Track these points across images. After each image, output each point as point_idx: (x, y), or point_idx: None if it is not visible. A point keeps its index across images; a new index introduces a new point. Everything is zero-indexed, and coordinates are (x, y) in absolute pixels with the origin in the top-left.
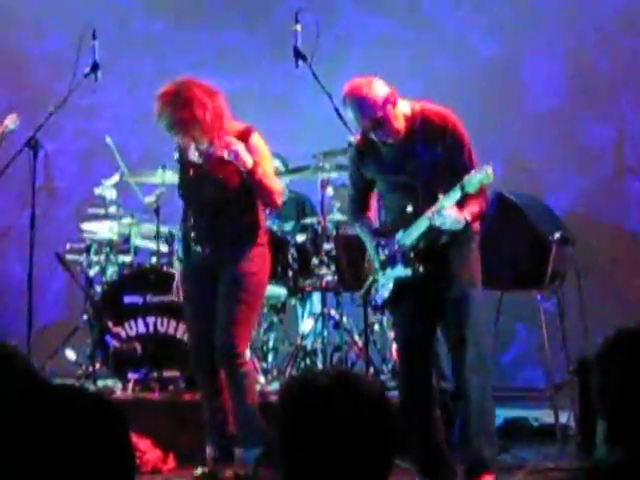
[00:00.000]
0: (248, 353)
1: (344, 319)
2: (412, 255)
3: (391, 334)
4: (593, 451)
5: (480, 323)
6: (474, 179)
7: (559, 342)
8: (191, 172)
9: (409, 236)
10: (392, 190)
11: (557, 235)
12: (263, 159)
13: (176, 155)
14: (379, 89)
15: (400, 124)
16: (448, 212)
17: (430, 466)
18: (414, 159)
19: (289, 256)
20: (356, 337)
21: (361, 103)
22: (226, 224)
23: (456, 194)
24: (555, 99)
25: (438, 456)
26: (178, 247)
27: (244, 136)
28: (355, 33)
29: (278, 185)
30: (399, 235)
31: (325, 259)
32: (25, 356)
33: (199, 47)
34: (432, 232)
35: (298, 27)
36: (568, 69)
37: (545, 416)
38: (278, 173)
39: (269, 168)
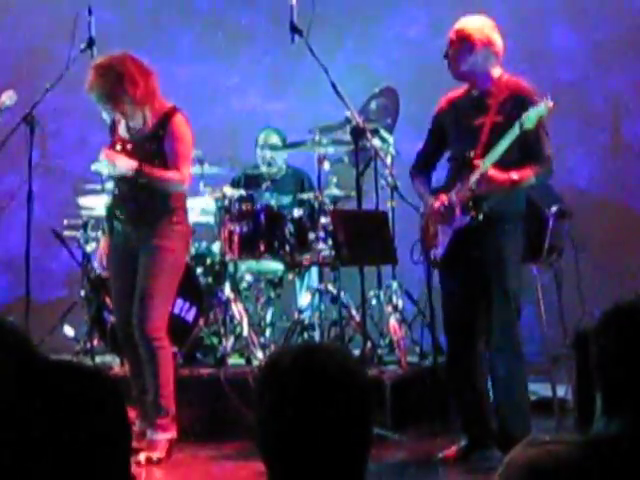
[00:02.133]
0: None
1: (341, 294)
2: (471, 203)
3: (388, 308)
4: (591, 424)
5: (513, 300)
6: (532, 113)
7: (556, 316)
8: (118, 147)
9: (489, 159)
10: (458, 139)
11: (554, 209)
12: (178, 142)
13: (109, 126)
14: (478, 31)
15: (476, 77)
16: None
17: (473, 426)
18: (487, 113)
19: (286, 231)
20: (353, 312)
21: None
22: (145, 203)
23: (514, 132)
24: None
25: (481, 416)
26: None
27: (167, 116)
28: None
29: (176, 176)
30: (482, 162)
31: (322, 234)
32: (24, 332)
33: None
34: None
35: (294, 1)
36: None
37: (542, 389)
38: (276, 147)
39: (184, 148)
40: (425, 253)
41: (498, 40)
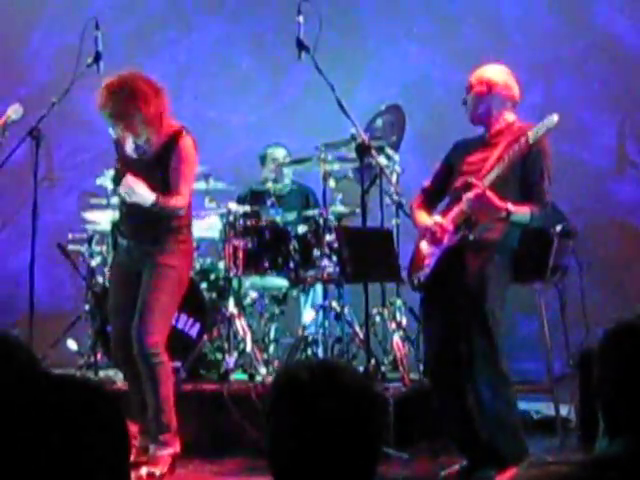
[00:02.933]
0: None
1: (345, 310)
2: (463, 224)
3: (392, 325)
4: (594, 444)
5: (494, 328)
6: (538, 128)
7: (560, 335)
8: (125, 166)
9: (490, 177)
10: (463, 171)
11: (559, 228)
12: (184, 165)
13: (115, 146)
14: (495, 76)
15: (491, 120)
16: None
17: (468, 447)
18: (494, 150)
19: (291, 247)
20: (357, 329)
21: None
22: (149, 221)
23: (520, 146)
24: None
25: (474, 438)
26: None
27: (174, 138)
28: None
29: (178, 202)
30: (480, 183)
31: (327, 251)
32: (27, 346)
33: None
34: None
35: (300, 18)
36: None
37: (545, 409)
38: (282, 164)
39: (188, 170)
40: (409, 275)
41: (515, 86)
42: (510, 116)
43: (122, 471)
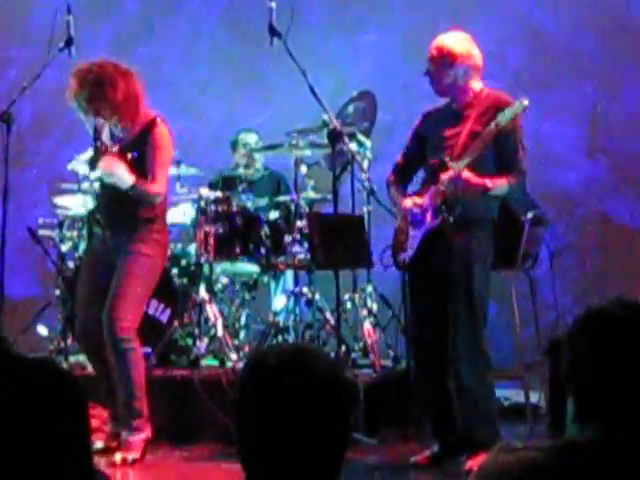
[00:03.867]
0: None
1: (316, 297)
2: (443, 206)
3: (363, 312)
4: (563, 430)
5: (479, 308)
6: (508, 112)
7: (530, 322)
8: (101, 154)
9: (465, 159)
10: (436, 147)
11: (530, 215)
12: (158, 151)
13: (92, 133)
14: (457, 46)
15: (457, 91)
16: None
17: (442, 432)
18: (467, 123)
19: (262, 233)
20: (328, 315)
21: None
22: (124, 211)
23: (491, 129)
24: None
25: (450, 423)
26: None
27: (150, 126)
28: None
29: (154, 188)
30: (455, 164)
31: (298, 237)
32: None
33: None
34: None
35: (273, 4)
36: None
37: (515, 395)
38: (254, 149)
39: (164, 158)
40: (394, 256)
41: (477, 54)
42: (476, 84)
43: (83, 450)
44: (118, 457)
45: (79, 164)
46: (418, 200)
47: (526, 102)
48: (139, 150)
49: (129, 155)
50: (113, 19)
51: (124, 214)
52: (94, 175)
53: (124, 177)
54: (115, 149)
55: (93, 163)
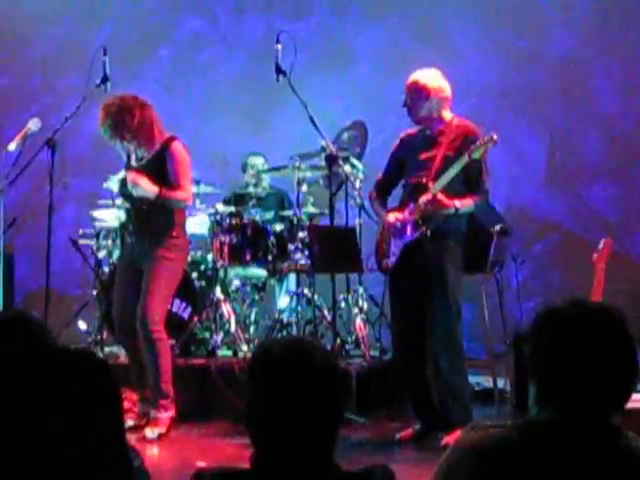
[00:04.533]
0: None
1: (315, 297)
2: (421, 221)
3: (355, 310)
4: (526, 411)
5: (454, 305)
6: (482, 147)
7: (498, 318)
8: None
9: (440, 183)
10: (414, 169)
11: (497, 227)
12: (178, 165)
13: (124, 159)
14: (430, 81)
15: (431, 120)
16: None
17: (423, 413)
18: (439, 148)
19: (269, 242)
20: (325, 312)
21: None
22: (148, 221)
23: (464, 160)
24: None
25: (429, 405)
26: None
27: (167, 144)
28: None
29: (183, 193)
30: (433, 186)
31: (300, 245)
32: (40, 321)
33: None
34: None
35: (279, 46)
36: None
37: (485, 382)
38: (262, 171)
39: (184, 169)
40: (378, 261)
41: (447, 87)
42: (447, 114)
43: (118, 427)
44: (148, 433)
45: (113, 183)
46: (399, 215)
47: (495, 137)
48: (160, 165)
49: (151, 171)
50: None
51: (150, 225)
52: (106, 185)
53: (149, 187)
54: (138, 165)
55: (124, 182)
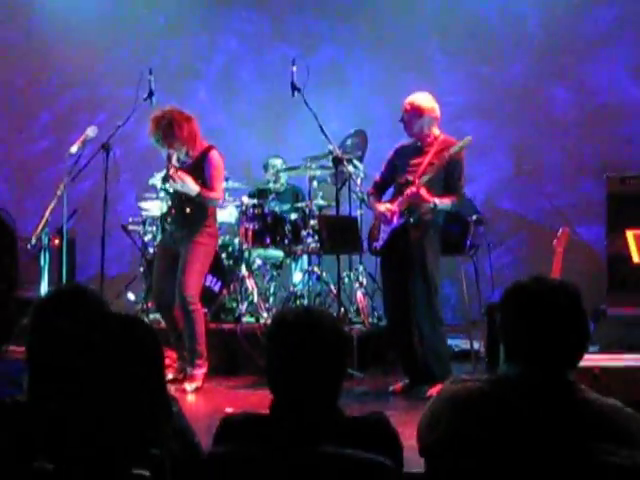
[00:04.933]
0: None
1: (324, 274)
2: (406, 211)
3: (356, 284)
4: (497, 368)
5: (432, 282)
6: (457, 146)
7: (475, 293)
8: (171, 173)
9: (424, 179)
10: (404, 171)
11: (474, 217)
12: (214, 170)
13: (167, 161)
14: (424, 103)
15: (423, 135)
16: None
17: (411, 370)
18: (426, 157)
19: (285, 229)
20: (332, 287)
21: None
22: (185, 213)
23: (444, 158)
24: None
25: (415, 364)
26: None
27: (206, 152)
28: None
29: (216, 194)
30: (421, 179)
31: (311, 231)
32: (98, 292)
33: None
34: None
35: (294, 68)
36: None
37: (463, 344)
38: (280, 170)
39: (219, 174)
40: (369, 244)
41: (437, 108)
42: (436, 130)
43: (161, 379)
44: (185, 385)
45: (156, 180)
46: (389, 206)
47: (470, 138)
48: (199, 169)
49: (191, 174)
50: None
51: (186, 215)
52: (167, 187)
53: (192, 186)
54: (180, 167)
55: (165, 179)
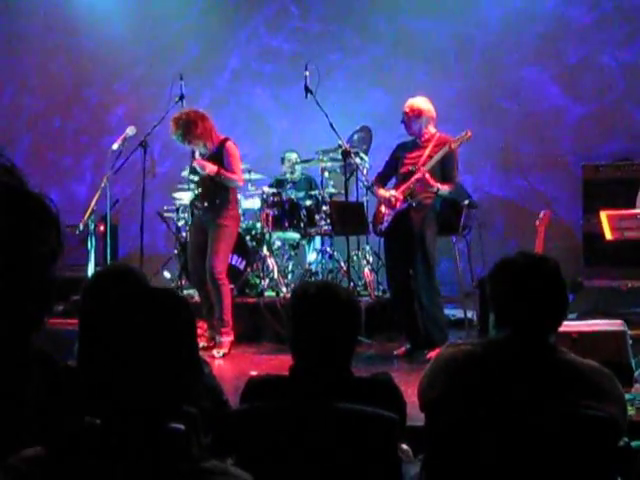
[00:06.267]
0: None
1: (335, 253)
2: (409, 196)
3: (364, 262)
4: (487, 333)
5: (431, 258)
6: (459, 140)
7: (467, 267)
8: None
9: (427, 165)
10: (405, 163)
11: (466, 201)
12: (232, 157)
13: (190, 152)
14: (422, 105)
15: (421, 133)
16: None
17: (412, 336)
18: (425, 150)
19: (301, 214)
20: (342, 264)
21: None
22: (210, 197)
23: (445, 149)
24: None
25: (416, 331)
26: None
27: (222, 143)
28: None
29: (236, 176)
30: (425, 166)
31: (324, 216)
32: (140, 270)
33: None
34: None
35: (307, 73)
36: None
37: (458, 313)
38: (295, 162)
39: (236, 160)
40: (374, 226)
41: (433, 109)
42: (432, 129)
43: (194, 346)
44: (215, 352)
45: (186, 172)
46: (393, 192)
47: (470, 133)
48: (218, 158)
49: (212, 163)
50: (214, 82)
51: (211, 201)
52: (193, 177)
53: (211, 167)
54: (203, 158)
55: (192, 170)
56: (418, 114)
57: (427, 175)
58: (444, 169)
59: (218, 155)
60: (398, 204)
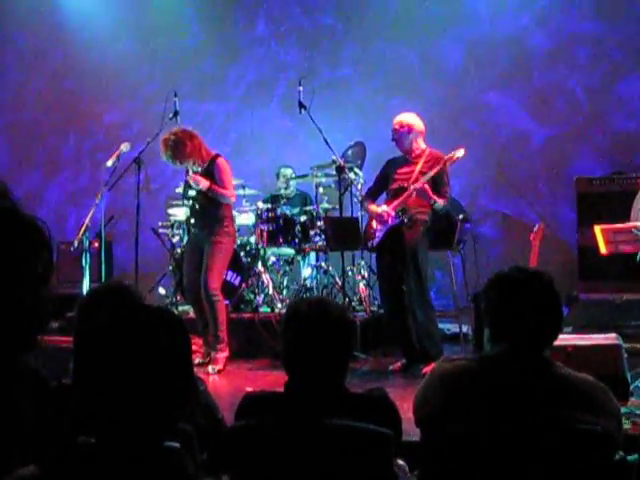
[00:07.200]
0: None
1: (330, 268)
2: (400, 212)
3: (359, 277)
4: (482, 349)
5: (423, 273)
6: (454, 157)
7: (462, 282)
8: (189, 182)
9: (425, 178)
10: (396, 180)
11: (461, 216)
12: (222, 173)
13: (185, 171)
14: (411, 120)
15: (412, 148)
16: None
17: (407, 351)
18: (415, 166)
19: (296, 229)
20: (337, 279)
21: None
22: (205, 214)
23: (440, 165)
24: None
25: (411, 346)
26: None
27: (213, 160)
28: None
29: (228, 192)
30: (421, 179)
31: (318, 231)
32: (134, 287)
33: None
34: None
35: (301, 88)
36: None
37: (453, 328)
38: (290, 178)
39: (227, 176)
40: (365, 242)
41: (422, 125)
42: (422, 144)
43: (188, 362)
44: (210, 368)
45: (181, 189)
46: (385, 207)
47: (464, 151)
48: (209, 174)
49: (204, 179)
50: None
51: (206, 219)
52: (188, 194)
53: (203, 183)
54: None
55: (187, 186)
56: (408, 130)
57: (426, 186)
58: (436, 185)
59: (209, 171)
60: (390, 220)
